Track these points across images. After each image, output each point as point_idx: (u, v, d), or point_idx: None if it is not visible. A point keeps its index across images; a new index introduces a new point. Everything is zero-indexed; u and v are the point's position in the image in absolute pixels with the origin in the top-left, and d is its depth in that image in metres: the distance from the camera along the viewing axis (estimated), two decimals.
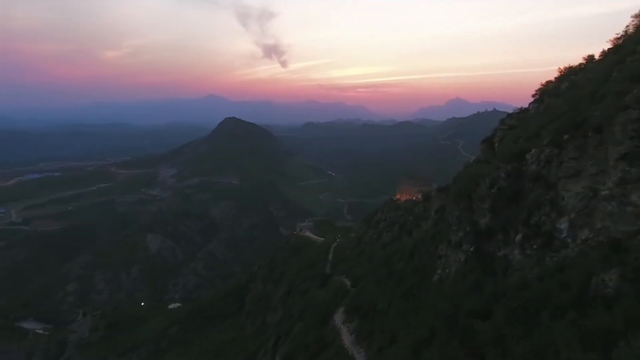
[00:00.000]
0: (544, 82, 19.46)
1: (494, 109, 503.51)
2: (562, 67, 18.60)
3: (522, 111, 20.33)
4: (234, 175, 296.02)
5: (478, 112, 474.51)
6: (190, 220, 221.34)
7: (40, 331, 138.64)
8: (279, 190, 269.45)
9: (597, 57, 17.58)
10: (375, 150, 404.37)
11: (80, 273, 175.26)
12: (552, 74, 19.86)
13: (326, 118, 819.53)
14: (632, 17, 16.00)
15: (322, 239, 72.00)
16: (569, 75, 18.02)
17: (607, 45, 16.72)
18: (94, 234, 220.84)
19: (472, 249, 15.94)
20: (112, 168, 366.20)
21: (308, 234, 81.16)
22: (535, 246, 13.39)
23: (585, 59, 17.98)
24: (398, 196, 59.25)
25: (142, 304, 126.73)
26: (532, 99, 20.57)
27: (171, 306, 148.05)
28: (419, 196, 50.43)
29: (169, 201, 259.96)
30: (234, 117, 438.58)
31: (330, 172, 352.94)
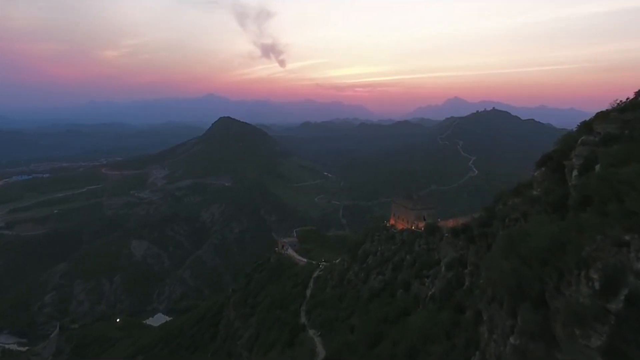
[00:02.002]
0: None
1: (493, 108, 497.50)
2: None
3: (625, 107, 10.54)
4: (228, 176, 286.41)
5: (477, 112, 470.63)
6: (179, 224, 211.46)
7: (12, 346, 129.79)
8: (272, 193, 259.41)
9: None
10: (372, 150, 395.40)
11: (59, 282, 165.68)
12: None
13: (324, 117, 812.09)
14: None
15: (305, 260, 62.81)
16: None
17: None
18: (79, 239, 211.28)
19: None
20: (103, 169, 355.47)
21: (291, 252, 71.64)
22: None
23: None
24: (392, 222, 48.57)
25: (118, 320, 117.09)
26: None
27: (154, 316, 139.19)
28: (420, 225, 40.90)
29: (157, 204, 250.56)
30: (228, 117, 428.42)
31: (326, 173, 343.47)
